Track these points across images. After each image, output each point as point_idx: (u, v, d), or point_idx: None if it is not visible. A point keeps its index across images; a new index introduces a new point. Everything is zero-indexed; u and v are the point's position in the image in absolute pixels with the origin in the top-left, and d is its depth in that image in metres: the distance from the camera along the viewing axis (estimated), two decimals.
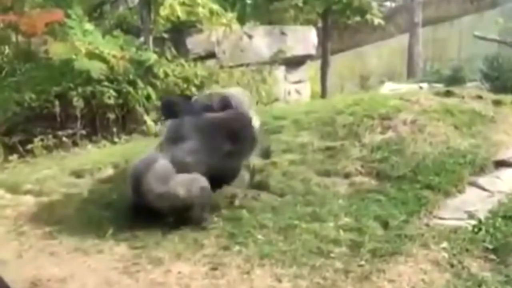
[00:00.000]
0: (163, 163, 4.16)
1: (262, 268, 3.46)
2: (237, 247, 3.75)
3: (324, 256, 3.54)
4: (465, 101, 6.20)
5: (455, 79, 10.15)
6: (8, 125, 7.42)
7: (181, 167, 4.18)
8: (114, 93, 7.72)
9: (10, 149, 7.09)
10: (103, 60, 7.79)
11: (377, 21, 12.19)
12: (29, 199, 4.87)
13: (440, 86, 8.88)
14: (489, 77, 9.33)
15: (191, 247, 3.81)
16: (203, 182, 4.20)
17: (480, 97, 6.38)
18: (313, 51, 11.25)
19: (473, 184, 4.58)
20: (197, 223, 4.13)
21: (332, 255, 3.55)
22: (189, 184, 4.13)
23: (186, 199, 4.10)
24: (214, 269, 3.49)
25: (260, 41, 10.28)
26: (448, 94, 6.43)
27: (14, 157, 6.89)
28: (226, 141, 4.42)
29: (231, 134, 4.48)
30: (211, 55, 9.56)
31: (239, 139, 4.52)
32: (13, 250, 3.92)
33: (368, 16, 12.14)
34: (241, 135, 4.56)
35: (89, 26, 8.21)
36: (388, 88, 10.75)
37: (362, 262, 3.44)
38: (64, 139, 7.38)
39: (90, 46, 7.82)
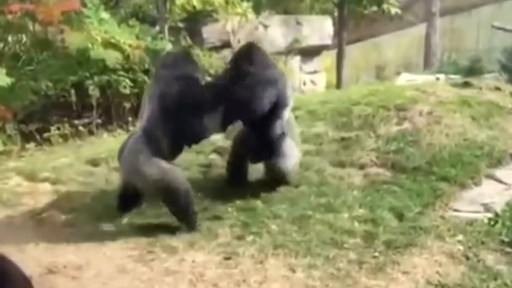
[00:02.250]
0: (137, 135, 4.04)
1: (276, 258, 3.46)
2: (251, 237, 3.76)
3: (338, 247, 3.53)
4: (482, 92, 6.10)
5: (472, 70, 9.99)
6: (25, 113, 7.48)
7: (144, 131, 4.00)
8: (129, 83, 7.74)
9: (27, 137, 7.17)
10: (119, 49, 7.80)
11: (394, 10, 12.06)
12: (46, 187, 4.91)
13: (457, 77, 8.73)
14: (507, 68, 9.16)
15: (205, 237, 3.83)
16: (178, 174, 4.02)
17: (498, 88, 6.28)
18: (328, 41, 11.19)
19: (490, 176, 4.52)
20: (184, 221, 3.98)
21: (346, 246, 3.55)
22: (163, 171, 3.91)
23: (157, 183, 3.91)
24: (228, 258, 3.51)
25: (276, 30, 10.25)
26: (465, 85, 6.34)
27: (31, 145, 6.96)
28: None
29: None
30: (227, 44, 9.56)
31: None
32: (30, 237, 3.96)
33: (385, 6, 12.00)
34: None
35: (105, 15, 8.22)
36: (404, 79, 10.61)
37: (376, 254, 3.43)
38: (80, 128, 7.45)
39: (106, 35, 7.84)
